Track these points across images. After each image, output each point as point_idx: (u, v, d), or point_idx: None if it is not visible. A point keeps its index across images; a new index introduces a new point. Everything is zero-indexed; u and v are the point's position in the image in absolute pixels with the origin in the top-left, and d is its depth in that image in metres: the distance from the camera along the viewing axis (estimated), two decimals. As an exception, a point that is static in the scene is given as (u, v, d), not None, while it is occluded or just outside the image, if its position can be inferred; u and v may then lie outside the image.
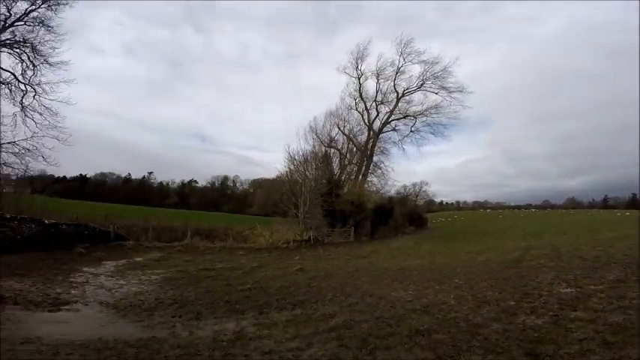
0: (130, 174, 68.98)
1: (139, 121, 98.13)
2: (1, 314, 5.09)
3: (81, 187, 56.07)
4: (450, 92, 32.14)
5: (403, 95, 33.31)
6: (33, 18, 17.97)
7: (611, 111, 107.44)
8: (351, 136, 31.66)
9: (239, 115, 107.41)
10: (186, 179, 73.53)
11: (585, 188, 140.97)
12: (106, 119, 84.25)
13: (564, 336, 4.42)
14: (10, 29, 17.63)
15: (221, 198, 68.90)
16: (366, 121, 33.20)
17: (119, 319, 5.55)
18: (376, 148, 32.70)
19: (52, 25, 18.28)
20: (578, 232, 20.61)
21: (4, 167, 16.70)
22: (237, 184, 74.26)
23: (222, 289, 8.11)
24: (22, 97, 17.89)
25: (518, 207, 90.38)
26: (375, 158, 32.48)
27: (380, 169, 32.44)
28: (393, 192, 35.02)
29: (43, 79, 18.20)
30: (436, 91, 32.66)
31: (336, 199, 24.34)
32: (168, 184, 72.01)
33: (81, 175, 60.86)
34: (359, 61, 33.43)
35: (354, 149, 31.96)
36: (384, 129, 33.45)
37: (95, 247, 14.44)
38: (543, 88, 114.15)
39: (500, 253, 13.64)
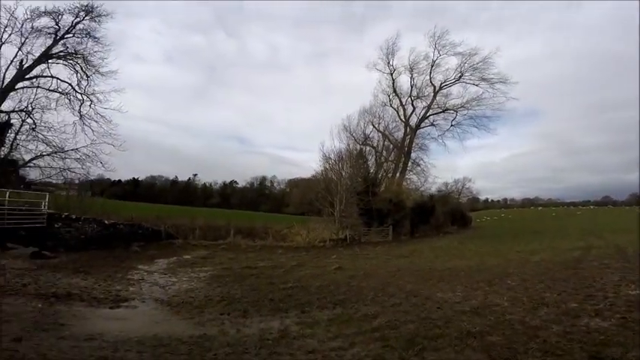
0: (176, 176, 73.55)
1: (181, 125, 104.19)
2: (69, 311, 5.53)
3: (134, 190, 60.61)
4: (492, 84, 30.54)
5: (440, 89, 32.02)
6: (80, 30, 19.66)
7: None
8: (386, 133, 30.95)
9: (273, 116, 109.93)
10: (228, 180, 76.74)
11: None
12: (153, 125, 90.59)
13: (632, 338, 4.11)
14: (62, 41, 19.36)
15: (259, 197, 70.97)
16: (402, 117, 32.29)
17: (172, 316, 5.81)
18: (414, 144, 31.75)
19: (97, 36, 19.94)
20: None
21: (69, 172, 18.41)
22: (275, 184, 76.10)
23: (266, 287, 8.29)
24: (80, 106, 19.50)
25: (574, 204, 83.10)
26: (413, 155, 31.57)
27: (419, 165, 31.46)
28: (433, 189, 33.89)
29: (96, 88, 19.81)
30: (476, 83, 31.15)
31: (372, 197, 23.98)
32: (211, 185, 75.65)
33: (134, 178, 65.84)
34: (390, 57, 32.69)
35: (391, 146, 31.25)
36: (422, 124, 32.38)
37: (148, 246, 15.46)
38: (600, 76, 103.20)
39: (556, 253, 12.76)
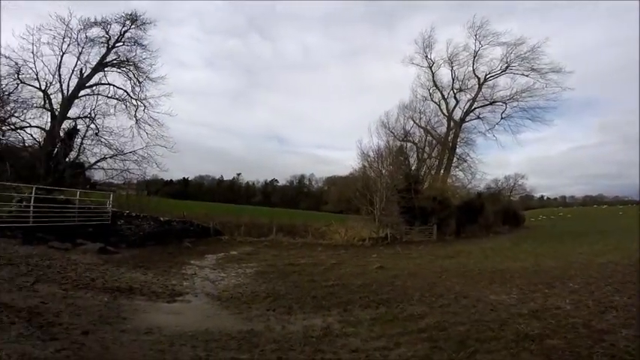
0: (222, 176, 77.21)
1: (224, 127, 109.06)
2: (131, 304, 5.89)
3: (184, 189, 64.63)
4: (543, 74, 28.08)
5: (486, 80, 30.06)
6: (128, 38, 21.19)
7: None
8: (428, 128, 29.63)
9: (309, 116, 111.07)
10: (269, 179, 79.06)
11: None
12: (198, 128, 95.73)
13: None
14: (114, 50, 20.99)
15: (299, 195, 72.14)
16: (445, 111, 30.76)
17: (222, 311, 6.05)
18: (459, 139, 30.01)
19: (144, 43, 21.38)
20: None
21: (128, 173, 19.97)
22: (313, 182, 76.93)
23: (308, 284, 8.39)
24: (135, 111, 21.05)
25: (646, 202, 73.28)
26: (458, 150, 29.85)
27: (465, 161, 29.64)
28: (482, 187, 31.87)
29: (148, 94, 21.23)
30: (526, 74, 28.82)
31: (415, 195, 23.23)
32: (253, 183, 78.49)
33: (184, 178, 70.18)
34: (427, 50, 31.19)
35: (433, 142, 29.93)
36: (467, 118, 30.53)
37: (199, 242, 16.35)
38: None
39: (625, 254, 11.60)
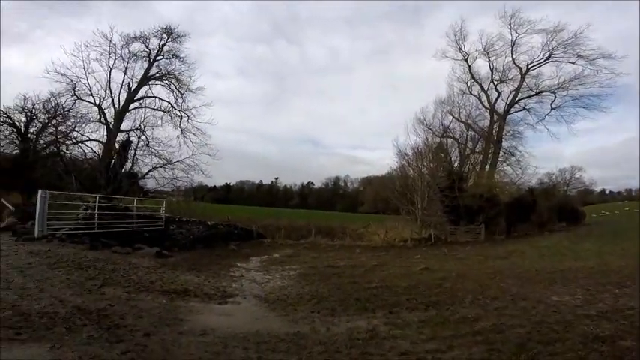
0: (261, 181, 79.84)
1: (260, 133, 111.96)
2: (187, 306, 6.12)
3: (226, 194, 67.67)
4: (591, 60, 26.21)
5: (528, 70, 28.45)
6: (167, 52, 22.55)
7: None
8: (469, 122, 28.54)
9: (341, 117, 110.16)
10: (304, 182, 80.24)
11: None
12: (235, 135, 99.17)
13: None
14: (155, 63, 22.45)
15: (334, 197, 72.39)
16: (486, 103, 29.38)
17: (269, 313, 6.15)
18: (504, 132, 28.48)
19: (182, 56, 22.64)
20: None
21: (177, 181, 21.35)
22: (348, 184, 76.74)
23: (350, 286, 8.32)
24: (180, 122, 22.36)
25: None
26: (504, 144, 28.43)
27: (513, 155, 28.08)
28: (534, 182, 29.80)
29: (190, 104, 22.46)
30: (572, 61, 27.04)
31: (459, 193, 22.22)
32: (290, 187, 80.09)
33: (226, 184, 73.50)
34: (460, 42, 30.30)
35: (476, 136, 28.66)
36: (511, 110, 29.05)
37: (243, 244, 16.92)
38: None
39: None
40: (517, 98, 28.80)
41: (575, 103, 27.90)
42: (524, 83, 28.51)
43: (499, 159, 28.01)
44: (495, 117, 28.82)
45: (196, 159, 21.51)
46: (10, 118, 18.68)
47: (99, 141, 20.32)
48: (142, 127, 20.95)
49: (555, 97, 28.09)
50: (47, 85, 19.84)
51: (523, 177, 27.78)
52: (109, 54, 21.08)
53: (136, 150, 20.60)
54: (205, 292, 7.22)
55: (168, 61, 22.76)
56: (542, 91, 28.30)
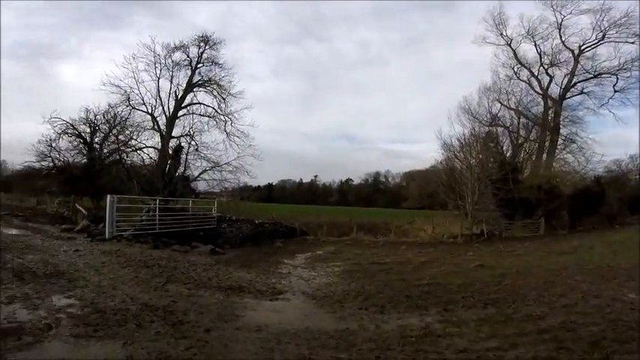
0: (301, 179, 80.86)
1: (299, 132, 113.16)
2: (241, 302, 6.36)
3: (269, 193, 69.80)
4: None
5: (582, 52, 25.86)
6: (206, 59, 23.47)
7: None
8: (520, 109, 26.48)
9: (377, 111, 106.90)
10: (343, 178, 79.75)
11: None
12: (275, 135, 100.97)
13: None
14: (197, 71, 23.50)
15: (375, 193, 71.10)
16: (538, 89, 27.03)
17: (318, 309, 6.22)
18: (561, 118, 26.08)
19: (220, 62, 23.52)
20: None
21: (225, 182, 22.57)
22: (389, 179, 74.85)
23: (399, 283, 8.17)
24: (225, 126, 23.34)
25: None
26: (563, 131, 25.90)
27: (574, 142, 25.45)
28: (600, 170, 26.83)
29: (232, 108, 23.33)
30: (630, 41, 24.35)
31: (514, 185, 20.71)
32: (330, 184, 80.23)
33: (269, 183, 75.74)
34: (501, 27, 28.01)
35: (529, 124, 26.54)
36: (567, 94, 26.49)
37: (288, 242, 17.27)
38: None
39: None
40: (573, 82, 26.32)
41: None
42: (580, 66, 26.09)
43: (558, 147, 25.71)
44: (550, 102, 26.53)
45: (242, 160, 22.44)
46: (76, 130, 20.96)
47: (154, 147, 22.10)
48: (191, 132, 22.29)
49: (617, 79, 25.38)
50: (105, 97, 21.95)
51: (587, 165, 25.23)
52: (155, 64, 22.46)
53: (187, 154, 21.95)
54: (257, 288, 7.43)
55: (208, 68, 23.80)
56: (602, 74, 25.65)
